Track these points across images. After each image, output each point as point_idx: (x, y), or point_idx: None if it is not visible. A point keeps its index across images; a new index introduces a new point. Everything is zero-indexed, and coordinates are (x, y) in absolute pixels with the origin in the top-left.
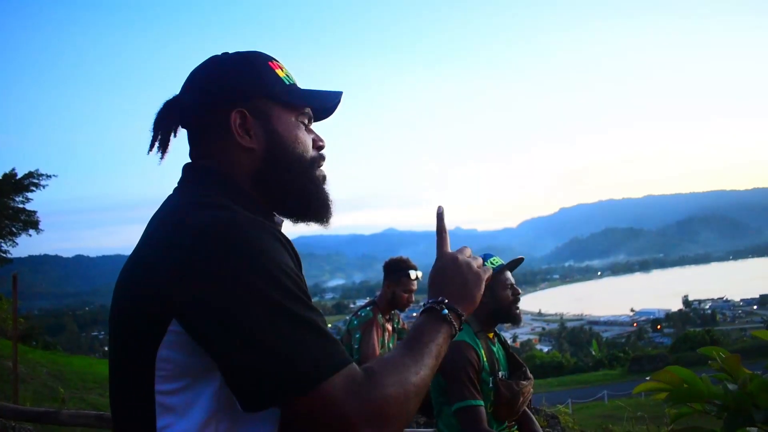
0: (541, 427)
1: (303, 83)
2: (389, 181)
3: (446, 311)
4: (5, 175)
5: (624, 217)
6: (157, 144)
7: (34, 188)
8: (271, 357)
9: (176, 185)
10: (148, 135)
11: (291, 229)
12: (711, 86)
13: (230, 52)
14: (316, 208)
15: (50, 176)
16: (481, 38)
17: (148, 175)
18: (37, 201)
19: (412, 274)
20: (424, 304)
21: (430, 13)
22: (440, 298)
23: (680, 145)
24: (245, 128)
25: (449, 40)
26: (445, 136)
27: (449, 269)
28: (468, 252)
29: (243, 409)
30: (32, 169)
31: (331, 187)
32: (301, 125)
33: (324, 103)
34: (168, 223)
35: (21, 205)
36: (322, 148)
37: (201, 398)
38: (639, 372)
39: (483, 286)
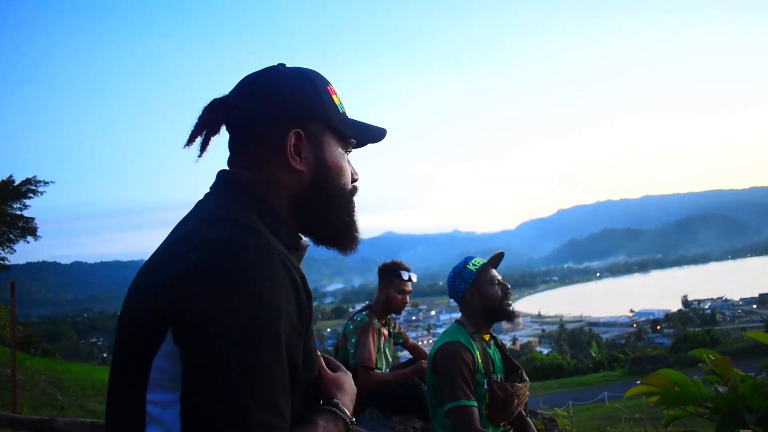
0: (539, 430)
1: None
2: (387, 184)
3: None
4: (3, 182)
5: (622, 218)
6: (198, 142)
7: (31, 195)
8: (213, 399)
9: (208, 191)
10: (189, 128)
11: None
12: (708, 86)
13: (288, 65)
14: (348, 239)
15: (48, 183)
16: (476, 38)
17: (147, 182)
18: (34, 208)
19: (404, 274)
20: (322, 405)
21: (423, 12)
22: (336, 402)
23: (677, 144)
24: (298, 149)
25: (444, 40)
26: (442, 138)
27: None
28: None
29: None
30: (30, 176)
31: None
32: (346, 156)
33: (369, 140)
34: (186, 232)
35: (19, 212)
36: (356, 181)
37: None
38: (639, 373)
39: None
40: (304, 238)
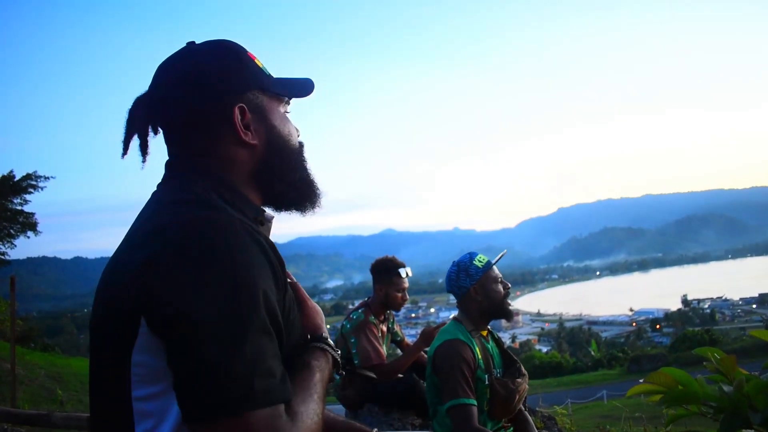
0: (538, 428)
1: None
2: (387, 181)
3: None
4: (3, 177)
5: (623, 217)
6: (136, 146)
7: (32, 190)
8: (211, 373)
9: (159, 183)
10: (120, 137)
11: (287, 231)
12: (709, 84)
13: (197, 42)
14: (312, 195)
15: (48, 178)
16: (476, 35)
17: (148, 177)
18: (35, 203)
19: (403, 272)
20: (310, 341)
21: (422, 11)
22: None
23: (679, 144)
24: (246, 123)
25: (445, 37)
26: (443, 136)
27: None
28: None
29: (183, 419)
30: (30, 171)
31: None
32: (287, 115)
33: (301, 93)
34: (148, 221)
35: (19, 207)
36: (299, 136)
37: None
38: (638, 372)
39: None
40: (267, 211)
